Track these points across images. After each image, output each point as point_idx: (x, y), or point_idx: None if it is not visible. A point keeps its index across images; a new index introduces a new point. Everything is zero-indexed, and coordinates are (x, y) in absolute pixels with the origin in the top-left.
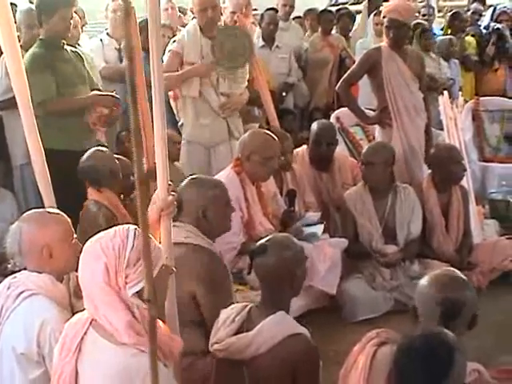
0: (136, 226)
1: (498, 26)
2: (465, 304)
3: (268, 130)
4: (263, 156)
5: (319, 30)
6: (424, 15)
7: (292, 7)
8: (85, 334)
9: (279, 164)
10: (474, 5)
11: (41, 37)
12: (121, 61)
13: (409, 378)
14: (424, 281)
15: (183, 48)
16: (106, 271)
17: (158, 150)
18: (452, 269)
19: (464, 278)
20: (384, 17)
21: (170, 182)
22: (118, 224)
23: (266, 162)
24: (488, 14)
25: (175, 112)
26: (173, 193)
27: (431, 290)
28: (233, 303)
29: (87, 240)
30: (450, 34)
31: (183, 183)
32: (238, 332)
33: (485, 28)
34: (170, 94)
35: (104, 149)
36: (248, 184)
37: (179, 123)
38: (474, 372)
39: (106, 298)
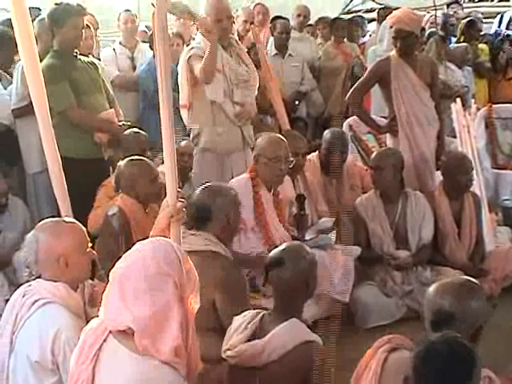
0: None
1: (510, 33)
2: (454, 316)
3: (280, 133)
4: (268, 157)
5: (332, 38)
6: (445, 23)
7: (306, 17)
8: (104, 341)
9: (292, 164)
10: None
11: (54, 47)
12: (133, 69)
13: (431, 382)
14: (432, 286)
15: (204, 53)
16: (175, 287)
17: (167, 158)
18: (467, 278)
19: (475, 289)
20: (391, 27)
21: (178, 189)
22: (130, 230)
23: (272, 163)
24: (496, 21)
25: (186, 122)
26: (182, 199)
27: (429, 296)
28: (249, 310)
29: (104, 242)
30: (463, 41)
31: (202, 193)
32: (250, 339)
33: (496, 35)
34: (182, 103)
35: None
36: (263, 189)
37: (191, 133)
38: (485, 379)
39: (163, 314)
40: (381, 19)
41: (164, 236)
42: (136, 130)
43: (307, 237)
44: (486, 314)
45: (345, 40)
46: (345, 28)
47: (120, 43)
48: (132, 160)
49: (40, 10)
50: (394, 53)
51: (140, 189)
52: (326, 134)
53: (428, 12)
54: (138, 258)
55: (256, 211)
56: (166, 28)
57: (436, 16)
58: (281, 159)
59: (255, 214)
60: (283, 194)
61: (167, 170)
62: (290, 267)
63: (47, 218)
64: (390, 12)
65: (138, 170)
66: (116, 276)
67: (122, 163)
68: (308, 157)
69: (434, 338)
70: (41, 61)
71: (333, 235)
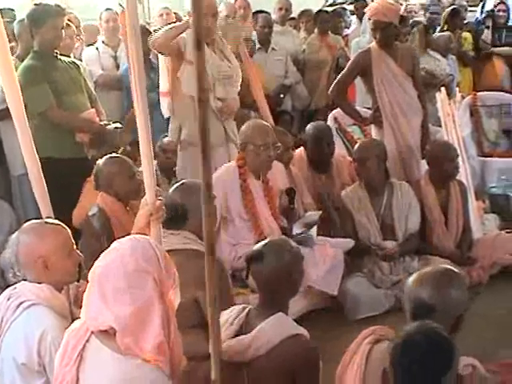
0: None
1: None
2: (434, 306)
3: None
4: (257, 144)
5: (315, 30)
6: (432, 13)
7: (288, 11)
8: (87, 341)
9: (282, 160)
10: None
11: (34, 48)
12: (117, 68)
13: (410, 375)
14: (411, 276)
15: (185, 44)
16: (155, 284)
17: (144, 156)
18: (447, 267)
19: (454, 278)
20: (369, 19)
21: (157, 187)
22: (112, 229)
23: (261, 150)
24: (478, 9)
25: (165, 111)
26: (161, 197)
27: (409, 285)
28: (234, 306)
29: (86, 243)
30: (447, 30)
31: (176, 192)
32: (237, 334)
33: (477, 23)
34: (162, 91)
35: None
36: (251, 177)
37: (170, 125)
38: (468, 367)
39: (144, 311)
40: (359, 13)
41: (144, 235)
42: (118, 125)
43: (294, 230)
44: (466, 303)
45: (329, 32)
46: (329, 20)
47: (103, 42)
48: (110, 158)
49: (13, 10)
50: (374, 44)
51: (118, 186)
52: (310, 128)
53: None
54: (117, 256)
55: (245, 199)
56: (137, 26)
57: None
58: (269, 146)
59: (244, 202)
60: (274, 183)
61: (144, 169)
62: (270, 262)
63: (33, 219)
64: (367, 5)
65: (116, 167)
66: (95, 276)
67: (100, 162)
68: (296, 151)
69: (411, 329)
70: (22, 61)
71: (314, 231)
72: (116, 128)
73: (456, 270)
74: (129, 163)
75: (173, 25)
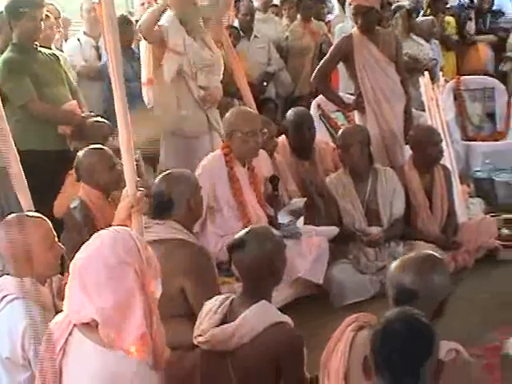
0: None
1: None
2: (416, 292)
3: None
4: (245, 131)
5: (298, 17)
6: None
7: None
8: (70, 334)
9: (266, 148)
10: None
11: (13, 41)
12: (99, 59)
13: (390, 362)
14: (394, 262)
15: (167, 32)
16: (136, 275)
17: (124, 147)
18: (430, 253)
19: (437, 263)
20: (350, 4)
21: (138, 178)
22: (94, 221)
23: (249, 137)
24: None
25: (147, 100)
26: (141, 189)
27: (391, 271)
28: (220, 294)
29: (68, 235)
30: (430, 14)
31: (162, 181)
32: (221, 323)
33: (460, 7)
34: (144, 80)
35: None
36: (237, 165)
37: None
38: (452, 352)
39: (126, 303)
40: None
41: (125, 227)
42: (99, 119)
43: (280, 218)
44: (449, 288)
45: (312, 19)
46: (311, 7)
47: (84, 33)
48: (90, 149)
49: None
50: (355, 29)
51: (99, 177)
52: (290, 115)
53: None
54: (97, 248)
55: (232, 187)
56: (114, 16)
57: None
58: (257, 132)
59: (232, 190)
60: (258, 170)
61: (124, 160)
62: (251, 249)
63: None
64: None
65: (96, 158)
66: (76, 268)
67: (80, 153)
68: (279, 139)
69: (390, 316)
70: (1, 54)
71: (300, 222)
72: (97, 122)
73: (438, 255)
74: (109, 154)
75: (150, 9)
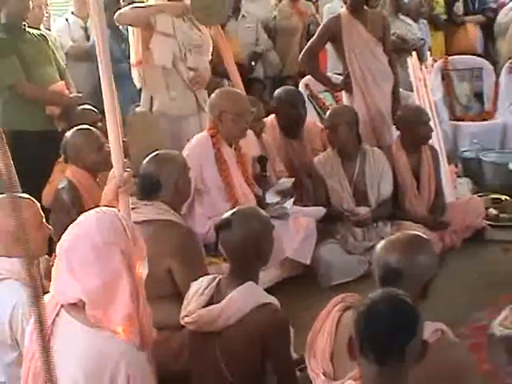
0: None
1: None
2: (401, 272)
3: None
4: (234, 112)
5: None
6: None
7: None
8: (57, 315)
9: (254, 129)
10: None
11: (1, 21)
12: (88, 39)
13: (374, 343)
14: (380, 242)
15: (155, 16)
16: (122, 256)
17: (111, 129)
18: (415, 233)
19: (422, 244)
20: None
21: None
22: (82, 202)
23: (238, 118)
24: None
25: (136, 82)
26: (128, 169)
27: (377, 252)
28: (207, 275)
29: (56, 216)
30: None
31: (150, 163)
32: (208, 304)
33: None
34: (132, 62)
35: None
36: (224, 146)
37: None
38: (437, 331)
39: (113, 283)
40: None
41: (112, 207)
42: (86, 106)
43: (268, 198)
44: (435, 268)
45: None
46: None
47: (72, 13)
48: (77, 130)
49: None
50: (344, 10)
51: (86, 158)
52: (278, 93)
53: None
54: (83, 229)
55: (220, 168)
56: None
57: None
58: (246, 112)
59: (219, 172)
60: (246, 150)
61: (111, 141)
62: (238, 229)
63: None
64: None
65: (83, 139)
66: (62, 249)
67: (68, 133)
68: (265, 119)
69: (374, 296)
70: None
71: (289, 203)
72: (84, 109)
73: (424, 236)
74: (96, 134)
75: (141, 4)
